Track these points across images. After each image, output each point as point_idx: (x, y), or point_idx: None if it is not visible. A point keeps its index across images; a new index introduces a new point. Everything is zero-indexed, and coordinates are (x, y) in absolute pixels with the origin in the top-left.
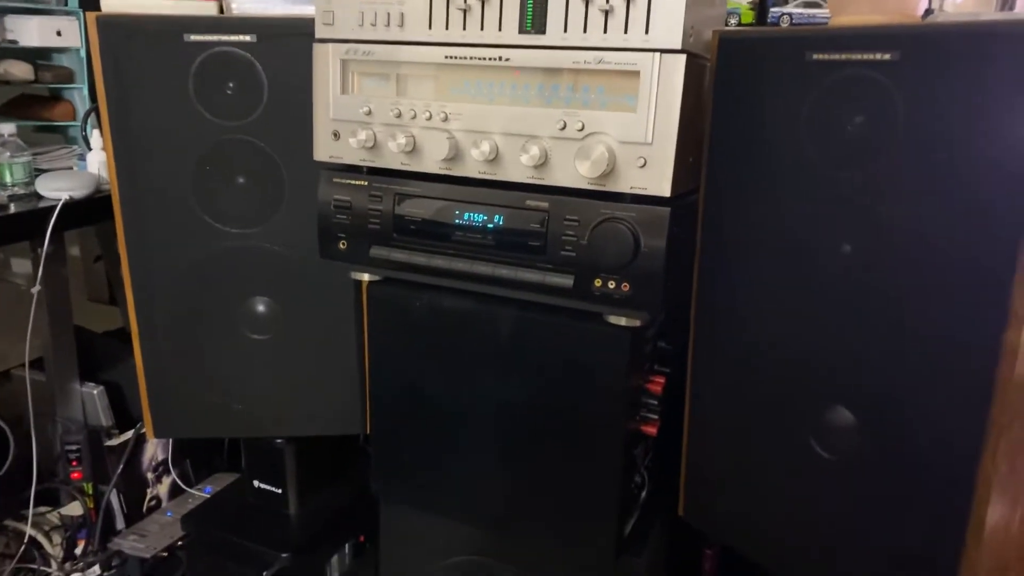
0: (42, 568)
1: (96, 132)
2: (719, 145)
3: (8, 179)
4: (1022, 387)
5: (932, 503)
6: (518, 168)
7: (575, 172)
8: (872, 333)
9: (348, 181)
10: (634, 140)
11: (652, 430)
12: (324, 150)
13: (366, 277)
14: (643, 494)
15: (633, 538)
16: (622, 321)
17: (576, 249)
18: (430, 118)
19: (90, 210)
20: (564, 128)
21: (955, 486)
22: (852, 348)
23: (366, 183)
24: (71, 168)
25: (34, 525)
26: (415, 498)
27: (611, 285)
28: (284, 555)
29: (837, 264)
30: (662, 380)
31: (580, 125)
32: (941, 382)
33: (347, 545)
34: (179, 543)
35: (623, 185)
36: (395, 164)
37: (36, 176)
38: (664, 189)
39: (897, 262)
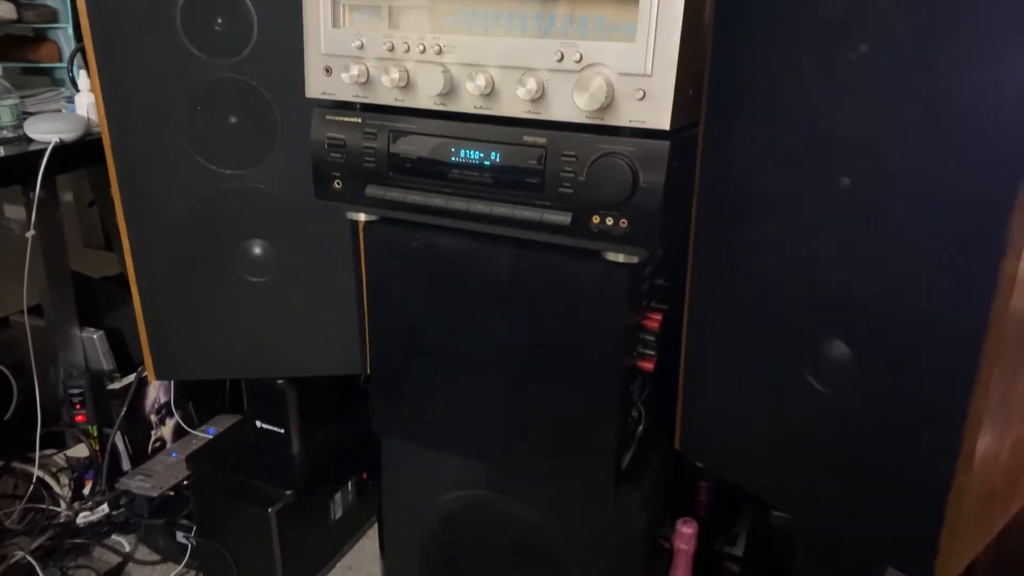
0: (51, 508)
1: (83, 73)
2: (719, 77)
3: None
4: (1017, 318)
5: (924, 433)
6: (515, 102)
7: (573, 105)
8: (869, 266)
9: (341, 118)
10: (633, 71)
11: (649, 366)
12: (316, 86)
13: (362, 217)
14: (640, 428)
15: (630, 471)
16: (620, 258)
17: (574, 186)
18: (424, 51)
19: (81, 153)
20: (561, 60)
21: (948, 416)
22: (850, 281)
23: (359, 120)
24: (59, 111)
25: (41, 467)
26: (415, 435)
27: (609, 222)
28: (288, 492)
29: (836, 197)
30: (659, 317)
31: (578, 56)
32: (938, 314)
33: (350, 482)
34: (185, 482)
35: (622, 118)
36: (389, 100)
37: (24, 119)
38: (663, 121)
39: (896, 194)
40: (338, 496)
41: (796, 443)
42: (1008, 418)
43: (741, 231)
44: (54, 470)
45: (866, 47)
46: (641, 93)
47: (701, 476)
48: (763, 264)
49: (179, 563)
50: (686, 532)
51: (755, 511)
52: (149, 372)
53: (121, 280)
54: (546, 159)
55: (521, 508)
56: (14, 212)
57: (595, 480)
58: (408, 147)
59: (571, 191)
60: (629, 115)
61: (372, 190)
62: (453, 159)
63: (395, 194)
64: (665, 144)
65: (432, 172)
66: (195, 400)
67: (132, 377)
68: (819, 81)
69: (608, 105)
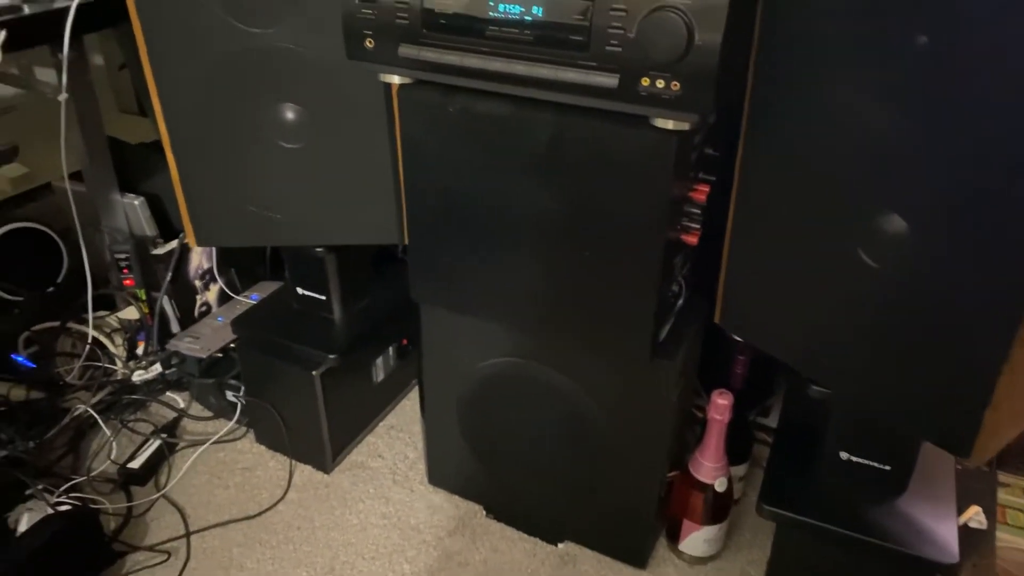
0: (108, 366)
1: None
2: None
3: None
4: None
5: (981, 310)
6: None
7: None
8: (940, 139)
9: None
10: None
11: (693, 240)
12: None
13: (396, 79)
14: (679, 302)
15: (667, 343)
16: (669, 124)
17: (622, 43)
18: None
19: (107, 11)
20: None
21: (999, 313)
22: (916, 153)
23: None
24: None
25: (96, 327)
26: (452, 303)
27: (659, 84)
28: (331, 356)
29: (909, 57)
30: (706, 188)
31: None
32: (1005, 201)
33: (391, 347)
34: (231, 345)
35: None
36: None
37: None
38: None
39: (977, 62)
40: (379, 360)
41: (841, 318)
42: None
43: (801, 94)
44: (107, 331)
45: None
46: None
47: (736, 348)
48: (823, 130)
49: (230, 419)
50: (721, 403)
51: (791, 385)
52: (190, 239)
53: (158, 146)
54: (593, 13)
55: (557, 376)
56: (45, 75)
57: (632, 352)
58: (443, 1)
59: (619, 50)
60: None
61: (405, 49)
62: (491, 14)
63: (429, 54)
64: None
65: (469, 29)
66: (237, 267)
67: (175, 243)
68: None
69: None
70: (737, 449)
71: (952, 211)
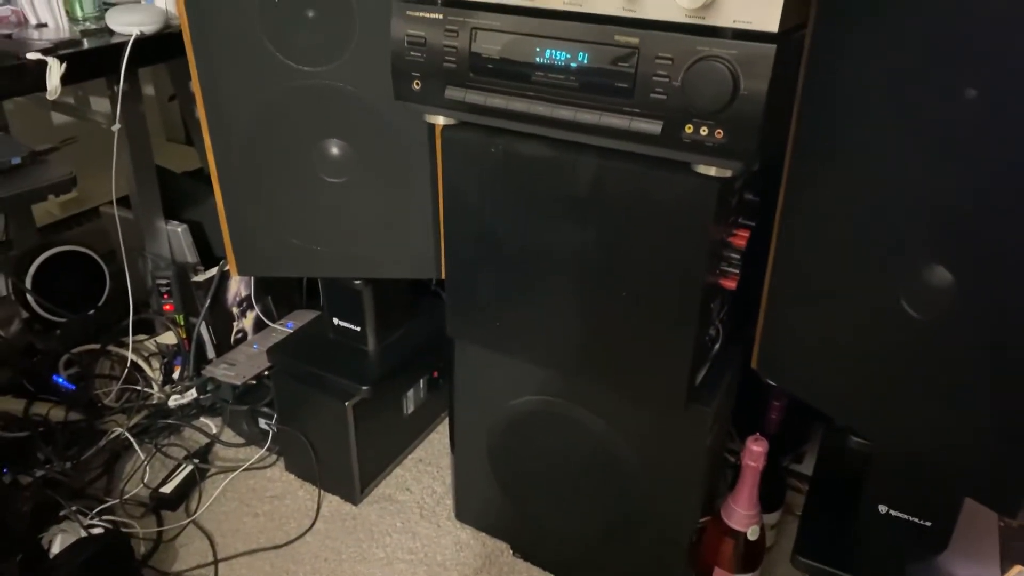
0: (144, 389)
1: None
2: None
3: (79, 13)
4: None
5: (1021, 380)
6: None
7: (671, 3)
8: (987, 190)
9: (422, 14)
10: None
11: (732, 284)
12: None
13: (441, 120)
14: (716, 347)
15: (703, 388)
16: (711, 171)
17: (667, 91)
18: None
19: (161, 46)
20: None
21: None
22: (962, 204)
23: (441, 16)
24: (139, 2)
25: (134, 351)
26: (487, 340)
27: (703, 132)
28: (364, 387)
29: (958, 109)
30: (746, 234)
31: None
32: None
33: (422, 380)
34: (266, 373)
35: (725, 18)
36: None
37: (105, 10)
38: (771, 23)
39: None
40: (410, 392)
41: (883, 368)
42: None
43: (845, 144)
44: (146, 354)
45: None
46: None
47: (772, 393)
48: (866, 181)
49: (261, 447)
50: (756, 450)
51: (827, 432)
52: (232, 268)
53: (201, 175)
54: (638, 61)
55: (589, 416)
56: (99, 105)
57: (667, 397)
58: (490, 46)
59: (664, 97)
60: (733, 15)
61: (452, 92)
62: (538, 60)
63: (475, 97)
64: (771, 48)
65: (515, 74)
66: (274, 295)
67: (215, 270)
68: None
69: (711, 3)
70: (770, 496)
71: (1000, 263)
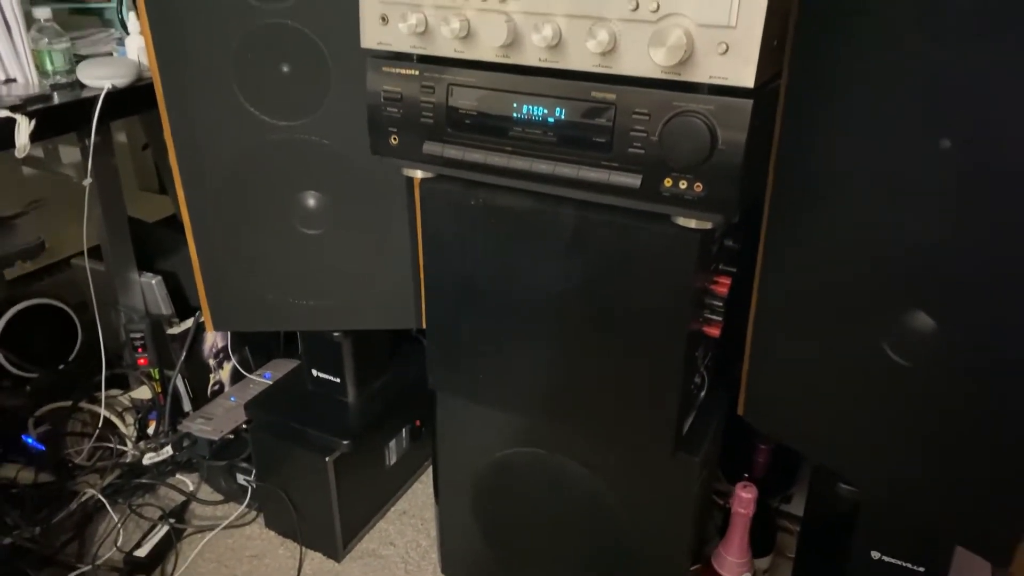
0: (118, 447)
1: (132, 15)
2: (809, 20)
3: (49, 67)
4: None
5: (1011, 428)
6: (583, 55)
7: (647, 59)
8: (964, 236)
9: (398, 71)
10: (715, 23)
11: (715, 332)
12: (372, 36)
13: (419, 174)
14: (702, 394)
15: (690, 436)
16: (692, 223)
17: (645, 146)
18: None
19: (134, 99)
20: (636, 9)
21: None
22: (940, 250)
23: (417, 72)
24: (111, 54)
25: (107, 406)
26: (471, 392)
27: (682, 185)
28: (345, 442)
29: (933, 159)
30: (728, 281)
31: (655, 5)
32: None
33: (404, 429)
34: (244, 426)
35: (701, 74)
36: (448, 51)
37: (76, 63)
38: (747, 79)
39: (1002, 160)
40: (392, 443)
41: (870, 415)
42: None
43: (822, 192)
44: (119, 410)
45: None
46: (724, 47)
47: (758, 436)
48: (844, 229)
49: (240, 503)
50: (746, 497)
51: (816, 474)
52: (207, 323)
53: (175, 223)
54: (616, 117)
55: (575, 467)
56: (70, 156)
57: (654, 446)
58: (468, 101)
59: (642, 151)
60: (709, 71)
61: (429, 147)
62: (515, 115)
63: (453, 151)
64: (748, 103)
65: (493, 129)
66: (251, 345)
67: (190, 322)
68: (923, 26)
69: (687, 59)
70: (761, 540)
71: (981, 307)
